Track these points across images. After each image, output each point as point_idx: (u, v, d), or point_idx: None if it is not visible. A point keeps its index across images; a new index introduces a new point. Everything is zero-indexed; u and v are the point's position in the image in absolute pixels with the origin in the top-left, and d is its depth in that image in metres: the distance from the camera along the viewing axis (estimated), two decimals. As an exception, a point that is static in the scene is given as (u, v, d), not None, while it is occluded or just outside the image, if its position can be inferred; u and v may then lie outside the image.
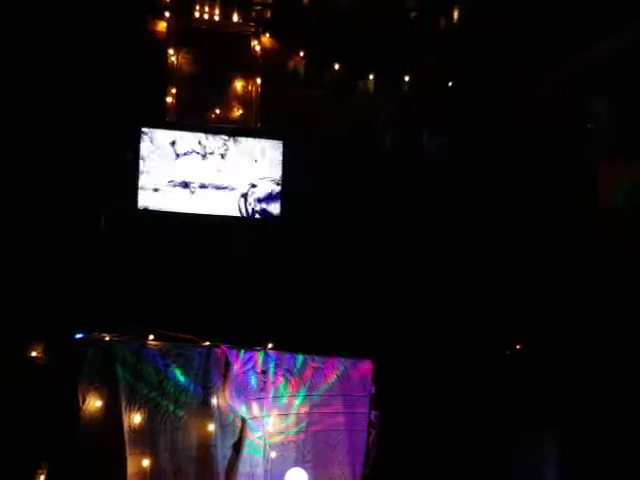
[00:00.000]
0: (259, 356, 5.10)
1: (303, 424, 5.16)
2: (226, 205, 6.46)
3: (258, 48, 6.55)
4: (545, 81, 6.41)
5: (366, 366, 5.36)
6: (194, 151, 6.39)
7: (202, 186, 6.41)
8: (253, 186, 6.49)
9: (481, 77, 6.50)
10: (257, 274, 6.21)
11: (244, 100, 6.56)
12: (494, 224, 6.39)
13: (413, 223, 6.51)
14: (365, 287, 6.29)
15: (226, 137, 6.44)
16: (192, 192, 6.38)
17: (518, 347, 5.94)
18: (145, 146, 6.28)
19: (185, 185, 6.36)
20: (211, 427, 4.82)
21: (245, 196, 6.46)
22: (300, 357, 5.22)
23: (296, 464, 5.09)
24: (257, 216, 6.50)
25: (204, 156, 6.41)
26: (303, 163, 6.45)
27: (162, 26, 6.35)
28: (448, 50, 6.52)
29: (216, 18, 6.46)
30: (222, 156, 6.46)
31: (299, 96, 6.50)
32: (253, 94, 6.56)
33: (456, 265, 6.38)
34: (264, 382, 5.09)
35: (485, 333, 6.09)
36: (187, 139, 6.40)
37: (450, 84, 6.68)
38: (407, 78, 6.67)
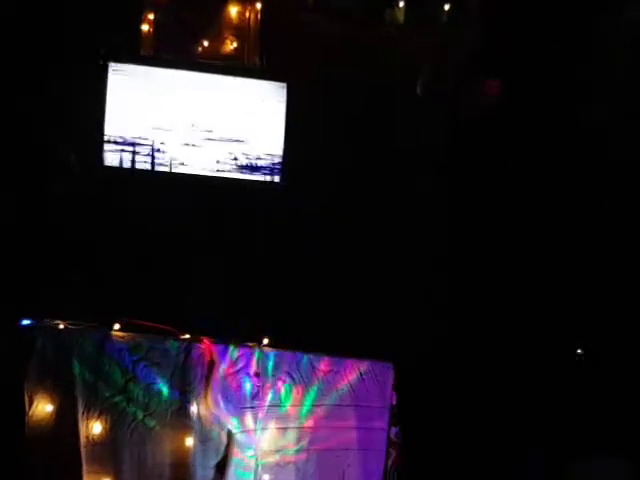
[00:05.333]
0: (253, 354, 5.18)
1: (305, 441, 5.26)
2: (215, 164, 6.48)
3: (257, -38, 6.83)
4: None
5: (386, 371, 5.46)
6: (175, 94, 6.37)
7: (186, 139, 6.42)
8: (248, 140, 6.50)
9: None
10: (253, 251, 6.30)
11: (239, 30, 6.59)
12: (540, 203, 6.57)
13: (445, 196, 6.60)
14: (387, 273, 6.42)
15: (216, 76, 6.44)
16: (172, 146, 6.37)
17: (579, 352, 6.17)
18: (113, 86, 6.26)
19: (164, 137, 6.36)
20: (189, 441, 4.93)
21: (237, 154, 6.52)
22: (305, 357, 5.31)
23: (294, 491, 5.39)
24: (253, 179, 6.54)
25: (188, 100, 6.40)
26: (312, 113, 6.47)
27: None
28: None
29: None
30: (211, 101, 6.46)
31: (309, 26, 6.55)
32: (251, 23, 6.58)
33: (496, 253, 6.50)
34: (259, 387, 5.17)
35: (530, 336, 6.21)
36: (167, 78, 6.37)
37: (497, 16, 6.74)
38: (447, 7, 6.69)
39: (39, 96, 5.93)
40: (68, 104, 6.05)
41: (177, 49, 6.51)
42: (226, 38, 6.59)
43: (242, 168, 6.51)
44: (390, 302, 6.25)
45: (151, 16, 6.44)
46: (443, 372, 5.98)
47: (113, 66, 6.24)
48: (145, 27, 6.44)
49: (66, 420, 4.67)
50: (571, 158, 6.53)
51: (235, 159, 6.50)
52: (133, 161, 6.32)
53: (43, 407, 4.64)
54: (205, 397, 4.99)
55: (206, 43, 6.58)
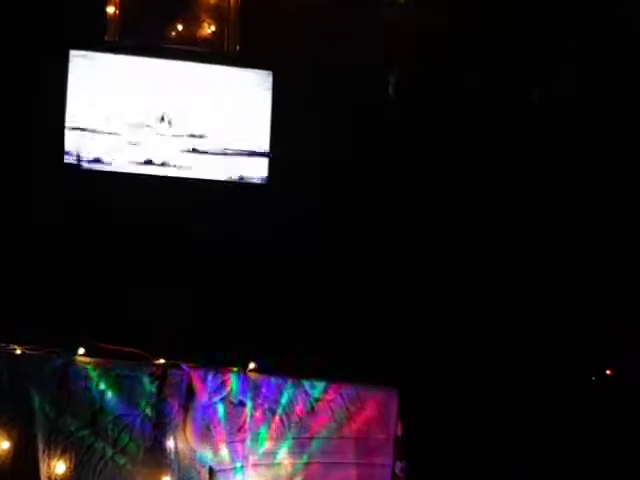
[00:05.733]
0: (238, 380, 5.10)
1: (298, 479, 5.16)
2: (192, 164, 6.41)
3: None
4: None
5: (389, 398, 5.34)
6: (145, 83, 6.32)
7: (157, 134, 6.35)
8: (228, 136, 6.43)
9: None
10: (234, 264, 6.21)
11: (217, 12, 6.51)
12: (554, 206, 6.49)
13: (446, 197, 6.54)
14: (387, 285, 6.30)
15: (191, 64, 6.38)
16: (142, 143, 6.31)
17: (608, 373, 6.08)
18: (76, 76, 6.20)
19: (133, 133, 6.30)
20: (166, 480, 4.91)
21: (215, 150, 6.43)
22: (297, 383, 5.21)
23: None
24: (234, 179, 6.46)
25: (160, 91, 6.35)
26: (301, 104, 6.41)
27: None
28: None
29: None
30: (186, 92, 6.40)
31: (297, 6, 6.41)
32: (231, 3, 6.51)
33: (507, 269, 6.41)
34: (245, 418, 5.08)
35: (542, 362, 6.16)
36: (135, 66, 6.32)
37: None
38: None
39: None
40: (26, 95, 6.02)
41: (147, 34, 6.42)
42: (203, 21, 6.50)
43: (221, 167, 6.44)
44: (393, 319, 6.14)
45: (116, -4, 6.36)
46: (454, 399, 5.86)
47: (74, 54, 6.17)
48: (110, 9, 6.33)
49: (25, 459, 4.67)
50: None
51: (213, 154, 6.41)
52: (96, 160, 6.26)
53: (-3, 445, 4.61)
54: (183, 430, 4.92)
55: (180, 27, 6.48)
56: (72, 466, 4.71)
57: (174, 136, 6.39)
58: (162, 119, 6.37)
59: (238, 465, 5.05)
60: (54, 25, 6.03)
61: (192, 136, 6.43)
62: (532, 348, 6.15)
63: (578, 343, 6.19)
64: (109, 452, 4.78)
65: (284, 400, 5.18)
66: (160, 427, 4.88)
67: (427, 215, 6.46)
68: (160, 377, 4.92)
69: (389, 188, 6.51)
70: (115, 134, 6.30)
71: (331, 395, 5.28)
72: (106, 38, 6.32)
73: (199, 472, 4.93)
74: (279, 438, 5.15)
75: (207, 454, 4.97)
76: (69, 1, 6.02)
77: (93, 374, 4.82)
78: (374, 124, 6.54)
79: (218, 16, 6.53)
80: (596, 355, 6.17)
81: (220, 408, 5.03)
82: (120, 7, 6.34)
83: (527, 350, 6.15)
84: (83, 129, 6.22)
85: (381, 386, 5.38)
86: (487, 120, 6.63)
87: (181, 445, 4.91)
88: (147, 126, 6.35)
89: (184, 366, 5.00)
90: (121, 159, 6.33)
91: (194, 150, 6.44)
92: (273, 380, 5.19)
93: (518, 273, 6.41)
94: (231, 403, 5.06)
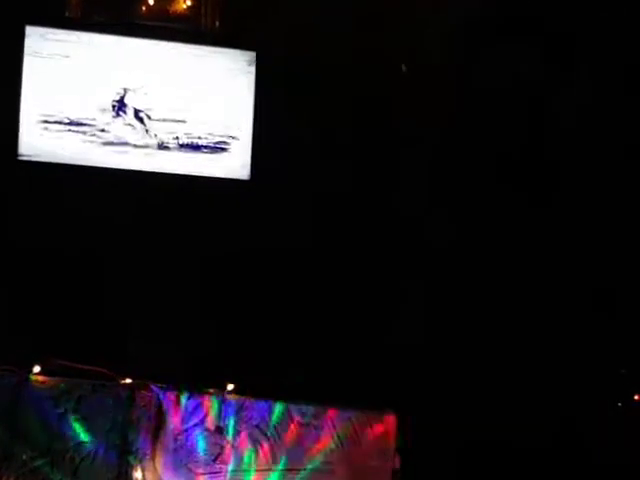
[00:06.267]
0: (214, 403, 5.08)
1: (282, 516, 5.02)
2: (161, 150, 6.42)
3: None
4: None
5: (385, 423, 5.33)
6: (110, 66, 6.28)
7: (125, 125, 6.36)
8: (203, 124, 6.44)
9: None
10: (211, 271, 6.16)
11: None
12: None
13: (449, 199, 6.61)
14: (382, 299, 6.33)
15: (164, 44, 6.34)
16: (106, 133, 6.32)
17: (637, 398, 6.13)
18: (31, 57, 6.16)
19: (94, 122, 6.30)
20: (132, 520, 4.76)
21: (186, 139, 6.43)
22: (279, 407, 5.16)
23: None
24: (213, 175, 6.44)
25: (126, 74, 6.33)
26: (286, 89, 6.40)
27: None
28: None
29: None
30: (155, 76, 6.38)
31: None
32: None
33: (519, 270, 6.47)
34: (221, 446, 5.06)
35: (546, 382, 6.22)
36: (100, 46, 6.25)
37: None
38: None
39: None
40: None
41: (113, 9, 6.37)
42: None
43: (197, 160, 6.45)
44: (387, 335, 6.18)
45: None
46: (457, 422, 5.92)
47: (31, 30, 6.13)
48: None
49: (-28, 492, 4.58)
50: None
51: (186, 145, 6.43)
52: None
53: (-58, 475, 4.57)
54: (152, 460, 4.97)
55: (151, 1, 6.42)
56: (26, 500, 4.63)
57: (146, 120, 6.42)
58: (131, 104, 6.39)
59: (221, 499, 4.97)
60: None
61: (162, 120, 6.45)
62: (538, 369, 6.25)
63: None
64: (68, 485, 4.70)
65: (271, 425, 5.19)
66: (125, 456, 4.90)
67: (424, 218, 6.54)
68: (126, 399, 4.93)
69: (384, 184, 6.57)
70: (77, 127, 6.32)
71: (323, 420, 5.29)
72: (67, 14, 6.27)
73: (169, 510, 4.86)
74: (264, 469, 5.15)
75: (180, 489, 4.86)
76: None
77: (50, 395, 4.84)
78: (367, 111, 6.57)
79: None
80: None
81: (196, 435, 5.03)
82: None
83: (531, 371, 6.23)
84: (43, 125, 6.24)
85: (377, 410, 5.38)
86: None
87: (149, 477, 4.93)
88: (113, 114, 6.36)
89: (154, 387, 4.98)
90: (85, 157, 6.33)
91: (162, 145, 6.45)
92: (258, 403, 5.18)
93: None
94: (208, 429, 5.06)
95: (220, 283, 6.19)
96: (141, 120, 6.40)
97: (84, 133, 6.31)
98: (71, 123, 6.29)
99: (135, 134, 6.40)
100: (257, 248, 6.26)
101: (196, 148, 6.44)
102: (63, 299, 5.86)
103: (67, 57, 6.26)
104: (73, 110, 6.30)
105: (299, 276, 6.25)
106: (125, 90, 6.36)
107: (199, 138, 6.45)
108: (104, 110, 6.35)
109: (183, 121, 6.44)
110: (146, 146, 6.41)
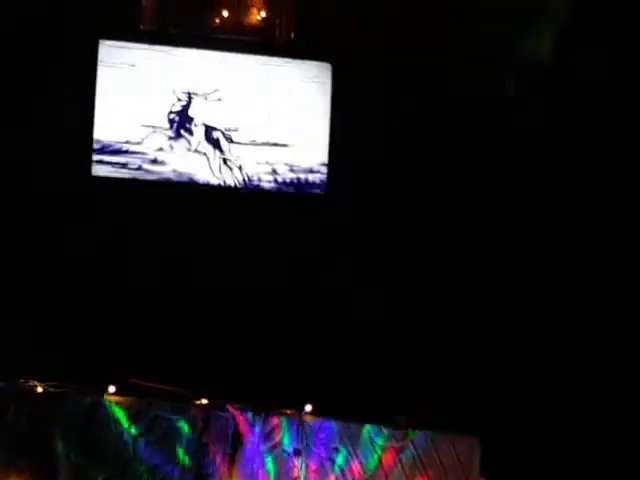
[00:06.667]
0: (292, 425, 5.09)
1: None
2: (238, 172, 6.36)
3: None
4: None
5: (469, 448, 5.30)
6: (187, 80, 6.28)
7: (208, 138, 6.32)
8: (283, 143, 6.39)
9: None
10: (292, 291, 6.16)
11: None
12: None
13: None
14: (466, 320, 6.27)
15: (238, 55, 6.33)
16: (188, 149, 6.30)
17: None
18: (106, 70, 6.18)
19: (177, 136, 6.29)
20: (208, 543, 4.74)
21: (270, 161, 6.38)
22: (362, 429, 5.15)
23: None
24: (287, 190, 6.39)
25: (204, 90, 6.32)
26: (365, 103, 6.34)
27: None
28: None
29: None
30: (231, 89, 6.35)
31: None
32: None
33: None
34: (300, 469, 5.05)
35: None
36: (175, 58, 6.27)
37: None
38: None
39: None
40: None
41: (188, 22, 6.39)
42: (252, 6, 6.46)
43: (276, 181, 6.38)
44: (475, 361, 6.13)
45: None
46: (541, 452, 5.89)
47: (105, 44, 6.15)
48: None
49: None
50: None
51: (272, 171, 6.38)
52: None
53: (15, 496, 4.56)
54: None
55: (226, 13, 6.43)
56: (99, 523, 4.66)
57: (222, 141, 6.38)
58: (206, 123, 6.37)
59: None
60: (80, 10, 6.04)
61: (241, 143, 6.38)
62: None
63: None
64: (143, 506, 4.73)
65: (345, 448, 5.16)
66: (202, 479, 4.89)
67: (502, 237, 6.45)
68: (203, 420, 4.95)
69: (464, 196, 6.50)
70: (154, 141, 6.29)
71: (400, 443, 5.25)
72: (142, 27, 6.31)
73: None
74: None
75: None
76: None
77: (125, 416, 4.84)
78: (445, 126, 6.50)
79: (269, 1, 6.48)
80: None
81: (273, 457, 5.03)
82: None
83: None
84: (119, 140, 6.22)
85: (459, 434, 5.34)
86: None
87: (226, 501, 4.83)
88: (188, 131, 6.33)
89: (231, 407, 5.00)
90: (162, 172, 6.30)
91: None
92: (332, 425, 5.16)
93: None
94: (285, 452, 5.06)
95: (298, 303, 6.15)
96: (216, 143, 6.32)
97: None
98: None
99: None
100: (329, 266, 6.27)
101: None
102: (138, 318, 5.87)
103: (143, 71, 6.28)
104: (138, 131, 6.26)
105: (379, 295, 6.18)
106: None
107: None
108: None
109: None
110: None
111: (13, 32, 6.04)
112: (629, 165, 6.44)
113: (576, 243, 6.45)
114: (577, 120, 6.44)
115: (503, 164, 6.51)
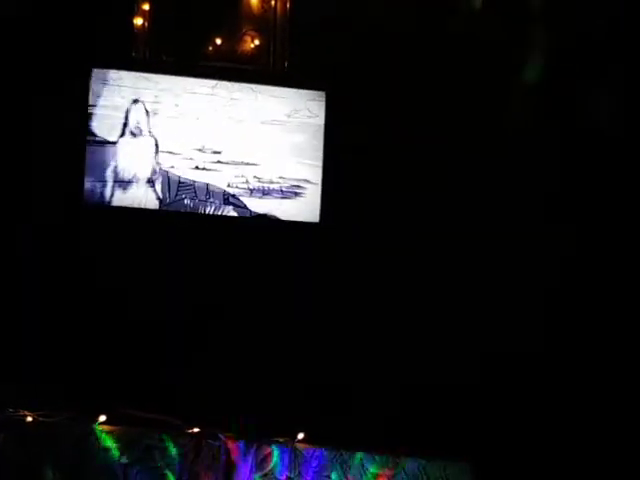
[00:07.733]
0: (285, 453, 5.12)
1: None
2: (229, 196, 6.41)
3: None
4: None
5: (460, 474, 5.35)
6: (177, 108, 6.32)
7: (193, 165, 6.35)
8: (275, 174, 6.43)
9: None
10: (283, 315, 6.16)
11: (262, 24, 6.52)
12: None
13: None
14: (458, 341, 6.25)
15: (232, 85, 6.35)
16: (179, 181, 6.34)
17: None
18: (97, 98, 6.23)
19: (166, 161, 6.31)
20: None
21: (253, 182, 6.41)
22: (353, 457, 5.19)
23: None
24: (281, 218, 6.42)
25: (195, 116, 6.35)
26: (358, 130, 6.36)
27: None
28: None
29: None
30: (223, 119, 6.38)
31: (355, 15, 6.39)
32: (278, 13, 6.52)
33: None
34: None
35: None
36: (167, 88, 6.30)
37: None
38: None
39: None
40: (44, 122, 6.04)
41: (180, 49, 6.43)
42: (245, 34, 6.51)
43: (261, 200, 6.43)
44: (464, 383, 6.09)
45: (146, 6, 6.33)
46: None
47: (97, 73, 6.20)
48: (139, 20, 6.35)
49: None
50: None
51: (253, 190, 6.42)
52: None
53: (5, 530, 4.60)
54: None
55: (219, 41, 6.47)
56: None
57: (213, 163, 6.42)
58: (201, 148, 6.40)
59: None
60: (72, 39, 6.08)
61: (230, 163, 6.42)
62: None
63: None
64: (133, 540, 4.77)
65: (337, 476, 5.21)
66: (193, 511, 4.85)
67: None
68: (194, 449, 4.99)
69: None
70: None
71: (392, 470, 5.30)
72: (133, 54, 6.34)
73: None
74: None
75: None
76: (91, 11, 6.07)
77: (116, 445, 4.87)
78: (441, 151, 6.49)
79: (263, 29, 6.54)
80: None
81: None
82: (149, 19, 6.38)
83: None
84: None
85: (451, 460, 5.37)
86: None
87: (219, 533, 4.88)
88: (182, 157, 6.37)
89: (221, 436, 5.02)
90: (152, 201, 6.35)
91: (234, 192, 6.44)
92: (324, 453, 5.19)
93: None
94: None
95: (291, 329, 6.15)
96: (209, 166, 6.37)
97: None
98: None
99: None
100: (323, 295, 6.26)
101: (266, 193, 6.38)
102: (129, 347, 5.88)
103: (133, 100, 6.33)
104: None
105: (374, 320, 6.20)
106: (193, 132, 6.35)
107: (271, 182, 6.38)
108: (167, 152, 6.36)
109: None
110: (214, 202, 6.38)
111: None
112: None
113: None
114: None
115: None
